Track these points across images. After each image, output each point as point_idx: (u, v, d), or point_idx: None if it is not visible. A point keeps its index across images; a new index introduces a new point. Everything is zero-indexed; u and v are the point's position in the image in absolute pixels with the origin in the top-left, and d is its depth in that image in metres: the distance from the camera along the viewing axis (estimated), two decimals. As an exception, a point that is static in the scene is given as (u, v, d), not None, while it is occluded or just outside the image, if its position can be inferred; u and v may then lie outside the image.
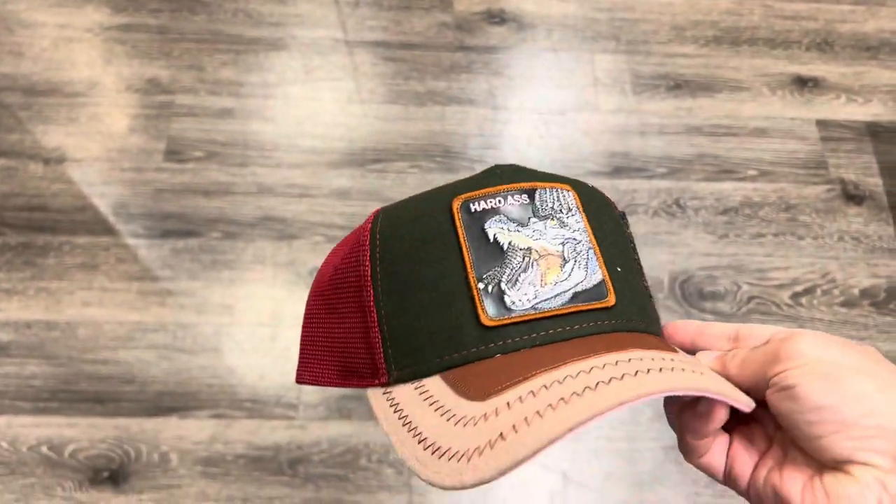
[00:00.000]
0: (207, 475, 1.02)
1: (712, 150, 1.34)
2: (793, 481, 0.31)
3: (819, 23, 1.50)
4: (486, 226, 0.35)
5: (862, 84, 1.43)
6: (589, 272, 0.35)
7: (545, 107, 1.37)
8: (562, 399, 0.27)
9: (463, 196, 0.36)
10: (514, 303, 0.33)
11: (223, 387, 1.08)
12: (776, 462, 0.33)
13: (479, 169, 0.39)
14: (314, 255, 1.19)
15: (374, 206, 1.21)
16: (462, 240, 0.35)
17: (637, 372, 0.28)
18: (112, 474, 1.02)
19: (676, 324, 0.38)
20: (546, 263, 0.35)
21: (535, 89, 1.39)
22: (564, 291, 0.34)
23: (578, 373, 0.29)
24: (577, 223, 0.37)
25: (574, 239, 0.36)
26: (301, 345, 0.42)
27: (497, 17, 1.47)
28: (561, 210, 0.37)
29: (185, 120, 1.31)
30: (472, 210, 0.36)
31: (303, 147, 1.30)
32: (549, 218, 0.36)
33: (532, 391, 0.28)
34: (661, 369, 0.29)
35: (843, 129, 1.37)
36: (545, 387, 0.28)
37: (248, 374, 1.09)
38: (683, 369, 0.30)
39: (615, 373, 0.28)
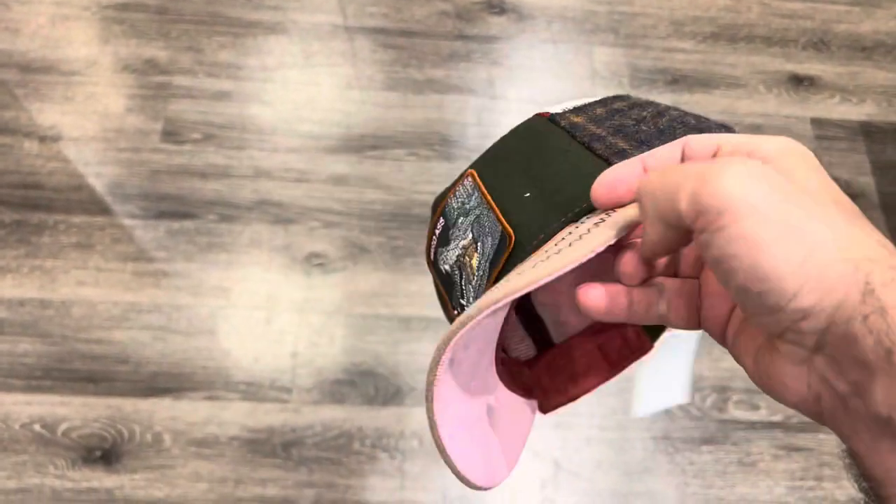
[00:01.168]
0: (201, 456, 1.03)
1: (708, 145, 1.35)
2: (747, 349, 0.26)
3: (816, 22, 1.51)
4: (440, 263, 0.38)
5: (856, 84, 1.44)
6: (493, 232, 0.35)
7: (543, 98, 1.37)
8: None
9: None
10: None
11: (218, 369, 1.08)
12: (741, 318, 0.28)
13: (475, 157, 0.39)
14: (310, 240, 1.19)
15: (371, 193, 1.22)
16: (440, 289, 0.39)
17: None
18: (105, 453, 1.02)
19: (615, 174, 0.30)
20: (468, 256, 0.36)
21: (533, 80, 1.39)
22: (486, 265, 0.35)
23: None
24: (478, 199, 0.37)
25: (478, 215, 0.36)
26: None
27: (497, 7, 1.47)
28: (466, 202, 0.38)
29: (183, 101, 1.30)
30: (432, 260, 0.40)
31: (300, 132, 1.29)
32: (458, 218, 0.38)
33: None
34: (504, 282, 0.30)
35: (837, 128, 1.39)
36: None
37: (243, 357, 1.09)
38: (535, 266, 0.28)
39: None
